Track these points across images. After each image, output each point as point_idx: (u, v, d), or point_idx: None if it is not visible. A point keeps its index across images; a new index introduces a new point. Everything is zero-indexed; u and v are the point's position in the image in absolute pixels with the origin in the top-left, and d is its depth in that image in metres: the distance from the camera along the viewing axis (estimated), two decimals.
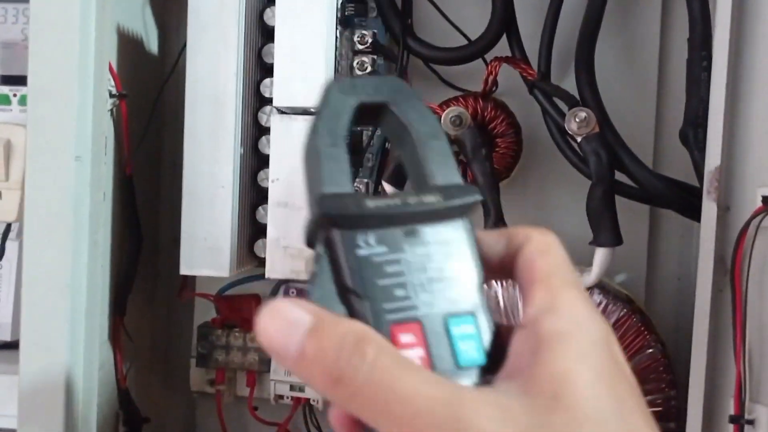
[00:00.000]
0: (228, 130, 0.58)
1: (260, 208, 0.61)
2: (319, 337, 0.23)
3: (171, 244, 0.65)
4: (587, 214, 0.58)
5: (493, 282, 0.61)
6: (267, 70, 0.61)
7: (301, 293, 0.69)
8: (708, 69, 0.53)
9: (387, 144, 0.66)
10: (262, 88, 0.61)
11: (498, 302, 0.61)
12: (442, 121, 0.59)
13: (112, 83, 0.56)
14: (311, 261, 0.26)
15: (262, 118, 0.61)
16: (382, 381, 0.22)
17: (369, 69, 0.63)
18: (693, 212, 0.56)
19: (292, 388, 0.69)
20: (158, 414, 0.67)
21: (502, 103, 0.64)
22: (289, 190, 0.58)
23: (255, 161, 0.62)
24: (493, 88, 0.64)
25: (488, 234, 0.28)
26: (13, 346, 0.57)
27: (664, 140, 0.67)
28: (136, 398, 0.61)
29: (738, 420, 0.48)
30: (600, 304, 0.61)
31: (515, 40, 0.63)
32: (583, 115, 0.57)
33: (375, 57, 0.64)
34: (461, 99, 0.63)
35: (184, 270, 0.59)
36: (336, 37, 0.60)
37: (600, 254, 0.57)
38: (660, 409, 0.60)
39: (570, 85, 0.61)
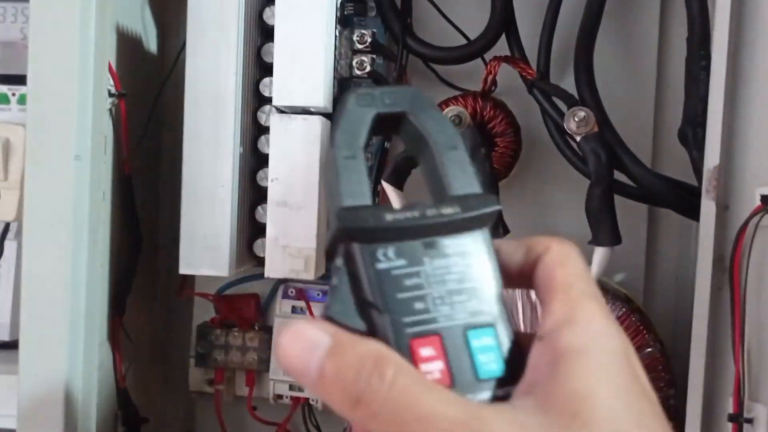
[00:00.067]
0: (227, 129, 0.58)
1: (259, 207, 0.61)
2: (338, 358, 0.23)
3: (170, 243, 0.65)
4: (586, 214, 0.58)
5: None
6: (266, 70, 0.61)
7: (301, 293, 0.69)
8: (707, 68, 0.53)
9: (386, 144, 0.66)
10: (261, 88, 0.61)
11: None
12: None
13: (112, 82, 0.56)
14: (330, 273, 0.26)
15: (262, 118, 0.61)
16: (401, 401, 0.23)
17: (368, 68, 0.63)
18: (692, 211, 0.56)
19: (291, 387, 0.69)
20: (157, 414, 0.67)
21: (501, 102, 0.64)
22: (289, 189, 0.58)
23: (254, 160, 0.62)
24: (493, 88, 0.64)
25: (507, 243, 0.28)
26: (11, 345, 0.57)
27: (663, 139, 0.67)
28: (134, 398, 0.61)
29: (737, 418, 0.48)
30: None
31: (514, 40, 0.63)
32: (582, 114, 0.57)
33: (374, 56, 0.64)
34: (460, 98, 0.63)
35: (184, 269, 0.58)
36: (335, 36, 0.60)
37: (599, 253, 0.57)
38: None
39: (569, 84, 0.61)
